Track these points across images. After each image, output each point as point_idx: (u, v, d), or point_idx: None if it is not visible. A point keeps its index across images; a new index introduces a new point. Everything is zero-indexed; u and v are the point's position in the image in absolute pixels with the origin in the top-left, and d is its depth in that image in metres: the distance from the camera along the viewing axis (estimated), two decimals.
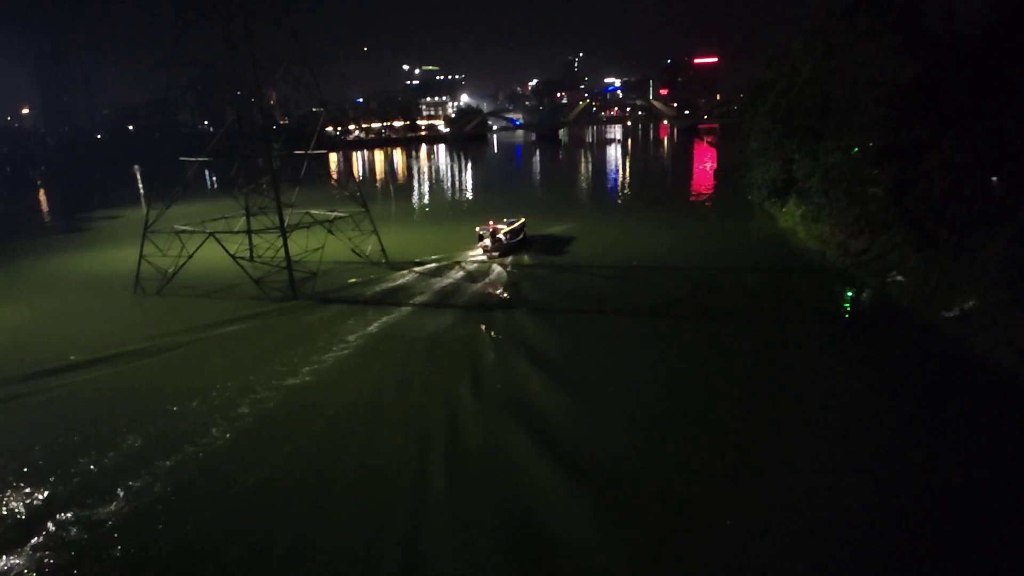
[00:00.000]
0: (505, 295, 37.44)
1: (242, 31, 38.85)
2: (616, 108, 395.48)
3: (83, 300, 40.63)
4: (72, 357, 29.78)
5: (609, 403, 23.43)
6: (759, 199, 59.19)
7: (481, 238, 47.40)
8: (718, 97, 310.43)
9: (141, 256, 41.14)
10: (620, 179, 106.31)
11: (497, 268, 43.48)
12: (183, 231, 41.27)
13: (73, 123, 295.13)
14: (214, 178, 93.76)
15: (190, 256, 40.45)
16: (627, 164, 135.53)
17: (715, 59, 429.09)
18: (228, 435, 22.03)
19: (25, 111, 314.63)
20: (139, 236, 42.01)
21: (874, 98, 37.66)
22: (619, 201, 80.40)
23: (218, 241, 39.72)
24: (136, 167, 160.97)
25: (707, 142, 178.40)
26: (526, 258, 46.38)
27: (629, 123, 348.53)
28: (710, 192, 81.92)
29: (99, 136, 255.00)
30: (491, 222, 48.55)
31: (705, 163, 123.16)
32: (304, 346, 30.07)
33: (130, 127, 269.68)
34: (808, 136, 47.22)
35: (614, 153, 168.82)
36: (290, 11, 40.86)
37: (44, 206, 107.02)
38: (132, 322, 35.54)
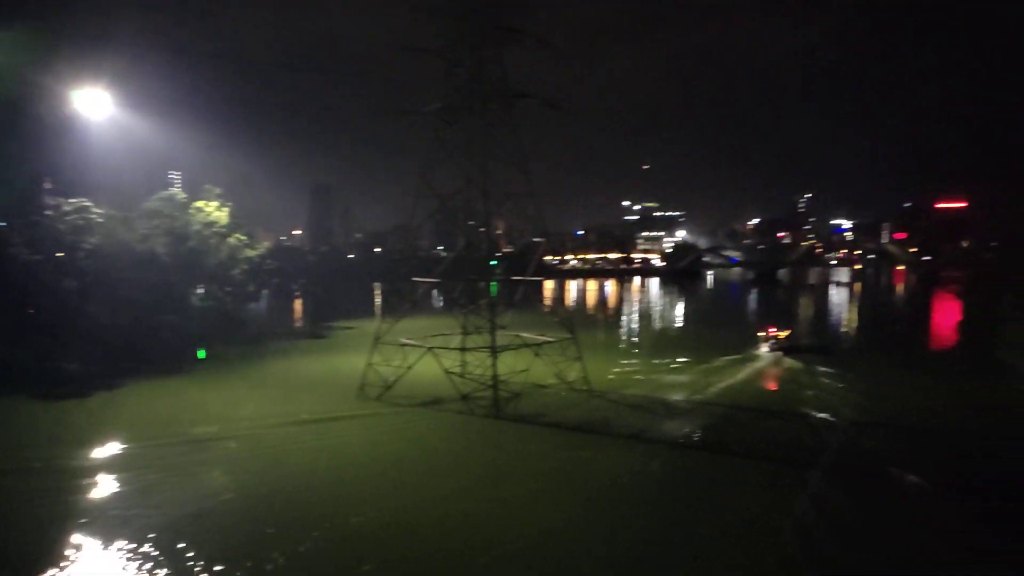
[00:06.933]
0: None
1: (479, 169, 43.29)
2: (844, 250, 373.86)
3: (310, 398, 44.37)
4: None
5: None
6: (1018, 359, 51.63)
7: (766, 339, 63.09)
8: (965, 244, 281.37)
9: (369, 363, 45.07)
10: (848, 323, 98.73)
11: (788, 361, 56.61)
12: (407, 344, 44.87)
13: (332, 244, 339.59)
14: (440, 297, 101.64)
15: (410, 367, 43.73)
16: (858, 309, 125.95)
17: (963, 203, 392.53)
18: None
19: (296, 232, 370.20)
20: (367, 345, 46.32)
21: None
22: (845, 346, 74.17)
23: (435, 356, 42.65)
24: (376, 284, 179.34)
25: (950, 292, 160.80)
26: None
27: (858, 266, 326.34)
28: (953, 346, 73.00)
29: (351, 256, 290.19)
30: (771, 328, 64.35)
31: (947, 314, 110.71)
32: (499, 466, 30.61)
33: (377, 249, 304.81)
34: None
35: (842, 297, 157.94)
36: (524, 152, 44.79)
37: (297, 313, 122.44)
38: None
